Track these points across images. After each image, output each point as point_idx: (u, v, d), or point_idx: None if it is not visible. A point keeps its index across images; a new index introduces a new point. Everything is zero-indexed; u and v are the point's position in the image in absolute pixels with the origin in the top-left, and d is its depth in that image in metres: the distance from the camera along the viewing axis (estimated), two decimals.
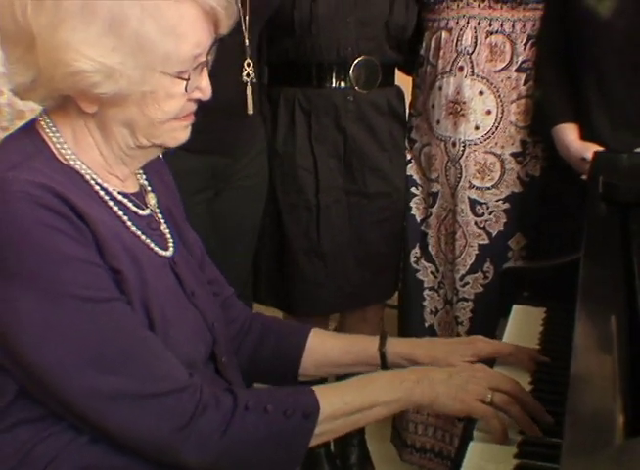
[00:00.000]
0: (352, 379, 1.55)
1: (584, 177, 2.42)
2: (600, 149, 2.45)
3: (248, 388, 1.60)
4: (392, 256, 2.90)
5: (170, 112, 1.42)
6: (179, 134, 1.49)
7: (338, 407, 1.44)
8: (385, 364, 1.71)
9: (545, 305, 1.92)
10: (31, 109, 2.28)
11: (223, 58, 2.33)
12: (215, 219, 2.51)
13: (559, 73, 2.63)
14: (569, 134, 2.58)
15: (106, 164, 1.45)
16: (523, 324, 1.88)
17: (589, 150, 2.45)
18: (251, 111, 2.46)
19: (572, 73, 2.59)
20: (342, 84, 2.67)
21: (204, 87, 1.47)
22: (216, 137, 2.42)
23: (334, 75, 2.66)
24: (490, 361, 1.68)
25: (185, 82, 1.40)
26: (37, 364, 1.28)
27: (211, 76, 2.33)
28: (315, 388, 1.46)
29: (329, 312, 2.98)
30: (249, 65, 2.44)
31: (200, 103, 2.14)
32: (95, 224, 1.32)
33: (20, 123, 2.29)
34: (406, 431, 2.97)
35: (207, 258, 1.75)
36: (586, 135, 2.56)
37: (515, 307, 1.96)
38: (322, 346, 1.75)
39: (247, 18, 2.40)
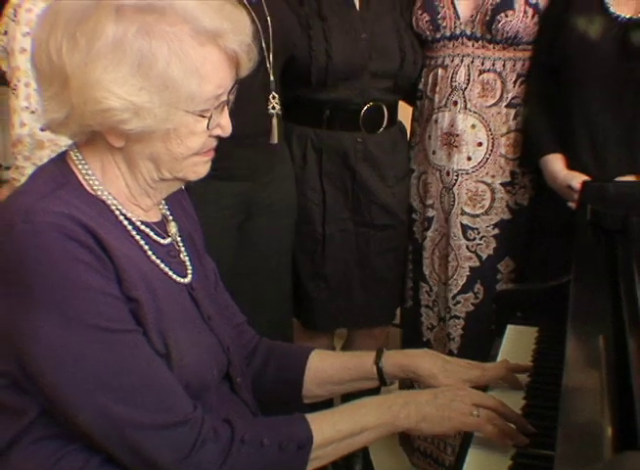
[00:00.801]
0: (343, 406, 1.54)
1: (571, 204, 2.44)
2: (585, 178, 2.45)
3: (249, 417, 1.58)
4: (395, 281, 2.91)
5: (193, 148, 1.42)
6: (200, 169, 1.48)
7: (329, 435, 1.43)
8: (382, 377, 1.69)
9: (537, 324, 1.93)
10: (50, 139, 2.29)
11: (251, 92, 2.39)
12: (247, 243, 2.52)
13: (546, 107, 2.64)
14: (555, 164, 2.59)
15: (130, 195, 1.45)
16: (517, 343, 1.88)
17: (575, 178, 2.47)
18: (275, 140, 2.47)
19: (559, 107, 2.60)
20: (352, 127, 2.68)
21: (224, 125, 1.46)
22: (244, 165, 2.44)
23: (344, 120, 2.68)
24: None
25: (207, 120, 1.40)
26: (52, 387, 1.28)
27: (240, 109, 2.37)
28: (308, 416, 1.45)
29: (332, 328, 2.98)
30: (274, 98, 2.45)
31: (230, 135, 2.14)
32: (117, 255, 1.32)
33: (40, 153, 2.32)
34: (412, 435, 2.97)
35: (221, 284, 1.74)
36: (572, 165, 2.56)
37: (509, 327, 1.96)
38: (322, 364, 1.73)
39: (271, 56, 2.42)
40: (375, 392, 2.88)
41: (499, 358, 1.83)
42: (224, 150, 2.34)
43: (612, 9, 2.49)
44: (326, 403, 2.83)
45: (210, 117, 1.40)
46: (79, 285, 1.27)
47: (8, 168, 1.76)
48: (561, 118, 2.59)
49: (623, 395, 1.18)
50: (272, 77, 2.43)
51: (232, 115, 2.33)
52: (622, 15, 2.47)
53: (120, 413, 1.28)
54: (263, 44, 2.39)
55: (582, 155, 2.55)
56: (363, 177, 2.72)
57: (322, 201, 2.72)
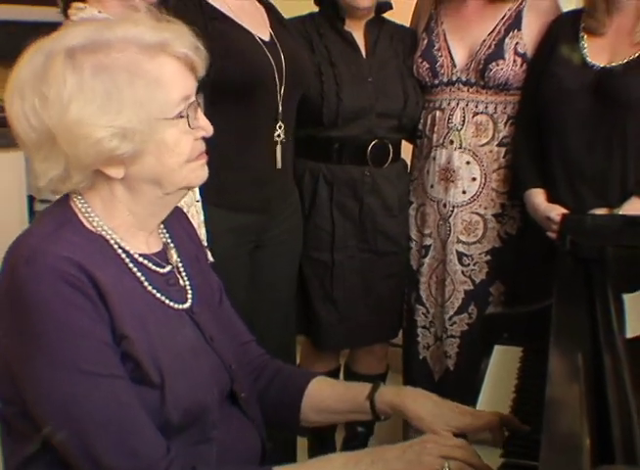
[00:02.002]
0: (310, 461, 1.49)
1: (550, 234, 2.46)
2: (562, 210, 2.46)
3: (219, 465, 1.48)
4: (397, 303, 2.90)
5: (184, 153, 1.39)
6: (199, 173, 1.45)
7: None
8: (375, 411, 1.59)
9: (522, 344, 1.91)
10: None
11: (258, 122, 2.38)
12: (256, 270, 2.50)
13: (530, 146, 2.64)
14: (537, 197, 2.59)
15: (137, 223, 1.43)
16: (503, 362, 1.86)
17: (553, 210, 2.47)
18: (279, 166, 2.45)
19: (541, 146, 2.61)
20: (360, 162, 2.68)
21: (204, 125, 1.43)
22: (252, 195, 2.42)
23: (353, 155, 2.68)
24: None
25: (186, 119, 1.37)
26: (40, 414, 1.29)
27: (248, 136, 2.37)
28: (275, 469, 1.38)
29: (341, 348, 2.97)
30: (280, 127, 2.42)
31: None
32: (111, 295, 1.30)
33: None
34: None
35: (227, 302, 1.70)
36: (551, 198, 2.57)
37: (496, 347, 1.95)
38: (320, 393, 1.65)
39: (282, 89, 2.40)
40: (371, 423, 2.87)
41: (487, 377, 1.81)
42: (241, 186, 2.36)
43: (588, 59, 2.51)
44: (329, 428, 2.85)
45: (187, 115, 1.37)
46: (71, 330, 1.26)
47: (42, 201, 1.74)
48: (542, 156, 2.60)
49: (601, 407, 1.19)
50: (281, 108, 2.41)
51: (243, 141, 2.32)
52: (597, 64, 2.49)
53: (93, 450, 1.27)
54: (276, 77, 2.37)
55: (560, 189, 2.55)
56: (370, 208, 2.72)
57: (332, 230, 2.71)
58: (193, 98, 1.40)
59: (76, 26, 1.37)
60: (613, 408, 1.15)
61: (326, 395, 1.66)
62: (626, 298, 1.52)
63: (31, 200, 1.91)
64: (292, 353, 2.71)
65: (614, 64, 2.46)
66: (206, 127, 1.43)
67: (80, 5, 2.05)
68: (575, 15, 2.62)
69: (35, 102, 1.30)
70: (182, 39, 1.40)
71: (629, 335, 1.38)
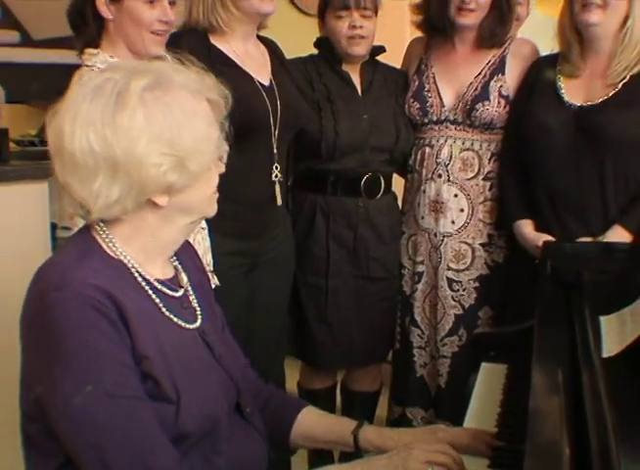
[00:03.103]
0: None
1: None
2: (550, 238, 2.47)
3: None
4: (388, 326, 2.89)
5: (213, 186, 1.45)
6: (214, 205, 1.49)
7: None
8: (357, 445, 1.60)
9: (507, 362, 1.91)
10: None
11: (257, 162, 2.39)
12: (251, 289, 2.49)
13: (516, 180, 2.65)
14: (525, 228, 2.60)
15: (158, 248, 1.44)
16: (489, 378, 1.86)
17: (541, 239, 2.46)
18: (279, 203, 2.46)
19: (526, 179, 2.62)
20: (355, 193, 2.69)
21: (223, 164, 1.49)
22: (249, 225, 2.43)
23: (348, 187, 2.69)
24: None
25: (221, 159, 1.45)
26: (61, 432, 1.29)
27: (247, 176, 2.39)
28: None
29: (334, 368, 2.95)
30: (277, 167, 2.43)
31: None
32: (133, 318, 1.31)
33: None
34: None
35: (227, 329, 1.69)
36: (538, 227, 2.58)
37: (483, 365, 1.94)
38: (308, 423, 1.66)
39: (276, 132, 2.41)
40: None
41: (475, 392, 1.81)
42: (238, 215, 2.37)
43: (565, 98, 2.53)
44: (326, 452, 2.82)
45: (222, 154, 1.45)
46: (94, 352, 1.27)
47: (63, 228, 1.75)
48: (528, 189, 2.62)
49: (579, 420, 1.20)
50: (276, 150, 2.43)
51: (242, 178, 2.31)
52: (574, 103, 2.51)
53: (111, 467, 1.27)
54: (271, 120, 2.39)
55: (547, 219, 2.56)
56: (363, 236, 2.72)
57: (327, 256, 2.71)
58: (221, 138, 1.45)
59: (145, 68, 1.41)
60: (590, 421, 1.16)
61: (314, 425, 1.67)
62: (603, 319, 1.51)
63: (54, 227, 1.93)
64: (281, 371, 2.69)
65: (589, 103, 2.49)
66: (223, 166, 1.49)
67: (93, 51, 2.09)
68: (552, 58, 2.65)
69: (106, 132, 1.31)
70: (217, 88, 1.45)
71: (605, 355, 1.37)
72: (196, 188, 1.40)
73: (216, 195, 1.48)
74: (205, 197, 1.43)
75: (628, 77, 2.45)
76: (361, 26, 2.64)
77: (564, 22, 2.55)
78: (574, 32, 2.52)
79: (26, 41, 5.30)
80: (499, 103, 2.68)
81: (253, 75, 2.41)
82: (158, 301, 1.43)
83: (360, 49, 2.68)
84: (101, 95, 1.33)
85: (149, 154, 1.32)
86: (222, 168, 1.47)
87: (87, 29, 2.12)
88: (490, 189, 2.74)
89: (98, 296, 1.28)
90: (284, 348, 2.73)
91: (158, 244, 1.44)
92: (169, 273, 1.51)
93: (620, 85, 2.45)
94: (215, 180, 1.45)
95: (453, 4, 2.64)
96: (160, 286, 1.44)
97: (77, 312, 1.26)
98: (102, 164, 1.32)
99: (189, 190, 1.39)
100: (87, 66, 2.04)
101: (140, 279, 1.41)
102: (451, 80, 2.76)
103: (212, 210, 1.49)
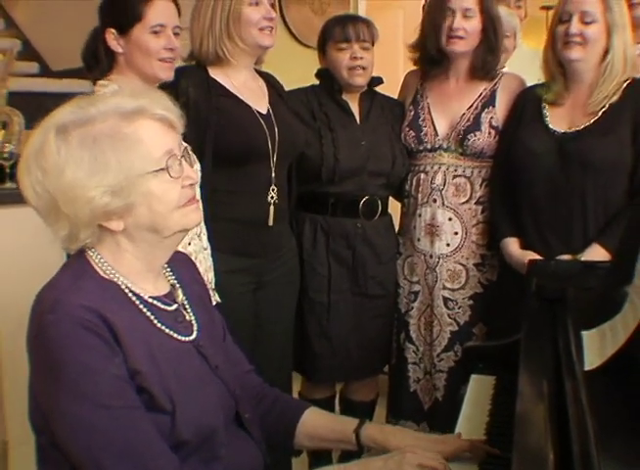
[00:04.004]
0: None
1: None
2: (535, 256, 2.48)
3: None
4: (384, 340, 2.89)
5: (172, 200, 1.39)
6: (192, 216, 1.45)
7: None
8: (359, 443, 1.60)
9: (495, 374, 1.91)
10: None
11: (255, 185, 2.42)
12: (258, 307, 2.50)
13: (504, 202, 2.67)
14: (511, 246, 2.62)
15: (143, 267, 1.44)
16: (479, 389, 1.86)
17: (527, 257, 2.48)
18: (271, 224, 2.46)
19: (513, 201, 2.63)
20: (353, 215, 2.70)
21: (189, 174, 1.43)
22: (247, 243, 2.44)
23: (347, 209, 2.71)
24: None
25: (166, 171, 1.37)
26: (64, 444, 1.31)
27: (245, 197, 2.40)
28: None
29: (332, 381, 2.95)
30: (273, 190, 2.45)
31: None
32: (124, 335, 1.32)
33: None
34: None
35: (229, 337, 1.70)
36: (525, 245, 2.60)
37: (473, 376, 1.94)
38: (313, 423, 1.66)
39: (275, 157, 2.43)
40: None
41: (465, 402, 1.80)
42: (239, 234, 2.39)
43: (550, 125, 2.56)
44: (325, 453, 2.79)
45: (168, 168, 1.38)
46: (88, 368, 1.28)
47: None
48: (515, 210, 2.64)
49: (563, 427, 1.21)
50: (273, 174, 2.45)
51: (241, 200, 2.37)
52: (558, 130, 2.54)
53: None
54: (269, 147, 2.41)
55: (531, 237, 2.59)
56: (362, 255, 2.74)
57: (328, 274, 2.72)
58: (176, 151, 1.41)
59: (64, 106, 1.40)
60: (573, 429, 1.17)
61: (317, 425, 1.67)
62: (585, 334, 1.52)
63: None
64: (289, 384, 2.69)
65: (572, 130, 2.52)
66: (192, 176, 1.44)
67: (104, 82, 2.14)
68: (537, 88, 2.67)
69: (38, 174, 1.34)
70: (158, 103, 1.42)
71: (587, 367, 1.38)
72: (147, 207, 1.38)
73: (189, 207, 1.44)
74: (164, 212, 1.40)
75: (607, 106, 2.48)
76: (361, 58, 2.68)
77: (548, 56, 2.60)
78: (558, 66, 2.57)
79: (45, 71, 5.34)
80: (490, 133, 2.72)
81: (251, 105, 2.45)
82: (150, 315, 1.43)
83: (361, 79, 2.72)
84: (35, 137, 1.37)
85: (75, 186, 1.32)
86: (185, 182, 1.42)
87: (99, 65, 2.18)
88: (482, 212, 2.76)
89: (88, 316, 1.29)
90: (290, 362, 2.73)
91: (141, 262, 1.44)
92: (163, 289, 1.51)
93: (601, 113, 2.49)
94: (173, 194, 1.40)
95: (444, 33, 2.68)
96: (152, 300, 1.45)
97: (70, 333, 1.28)
98: (46, 204, 1.35)
99: (139, 210, 1.38)
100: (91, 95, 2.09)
101: (132, 296, 1.41)
102: (445, 111, 2.80)
103: (189, 221, 1.45)
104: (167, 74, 2.18)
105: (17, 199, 2.73)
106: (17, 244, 2.80)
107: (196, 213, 1.47)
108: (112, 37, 2.13)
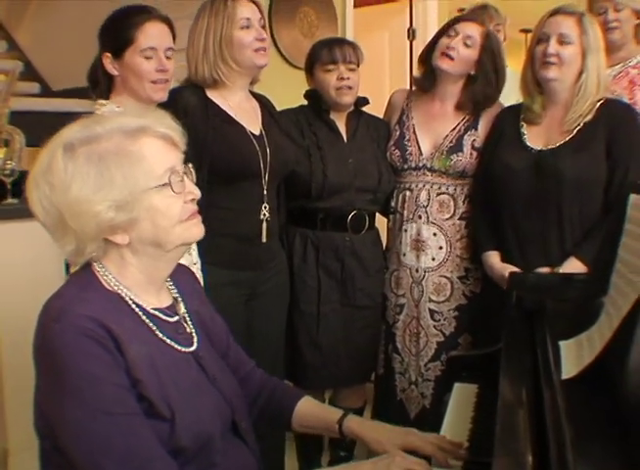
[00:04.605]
0: None
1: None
2: (515, 269, 2.50)
3: None
4: (371, 350, 2.90)
5: (174, 215, 1.40)
6: (194, 230, 1.46)
7: None
8: (342, 433, 1.65)
9: (478, 382, 1.91)
10: None
11: (248, 202, 2.43)
12: (250, 318, 2.51)
13: (485, 216, 2.69)
14: (492, 258, 2.64)
15: (146, 279, 1.45)
16: (462, 397, 1.86)
17: (507, 270, 2.50)
18: (264, 240, 2.47)
19: (494, 215, 2.65)
20: (342, 229, 2.72)
21: (191, 189, 1.44)
22: (241, 258, 2.45)
23: (335, 223, 2.72)
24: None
25: (169, 186, 1.39)
26: (67, 449, 1.31)
27: (239, 214, 2.40)
28: None
29: (324, 388, 2.95)
30: (265, 207, 2.46)
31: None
32: (127, 345, 1.33)
33: None
34: None
35: (232, 341, 1.72)
36: (505, 258, 2.62)
37: (456, 385, 1.94)
38: (305, 412, 1.72)
39: (266, 175, 2.45)
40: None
41: (448, 409, 1.81)
42: (232, 248, 2.40)
43: (527, 142, 2.59)
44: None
45: (170, 183, 1.39)
46: (91, 376, 1.28)
47: None
48: (496, 224, 2.65)
49: (541, 432, 1.22)
50: (265, 192, 2.46)
51: (235, 216, 2.38)
52: (535, 147, 2.57)
53: None
54: (261, 166, 2.43)
55: (511, 251, 2.61)
56: (350, 268, 2.74)
57: (318, 286, 2.73)
58: (178, 168, 1.42)
59: (72, 125, 1.41)
60: (551, 435, 1.18)
61: (309, 413, 1.72)
62: (562, 344, 1.53)
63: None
64: None
65: (549, 147, 2.55)
66: (194, 191, 1.45)
67: (103, 101, 2.17)
68: (516, 108, 2.72)
69: (46, 189, 1.35)
70: (161, 122, 1.43)
71: (564, 376, 1.39)
72: (150, 221, 1.39)
73: (191, 221, 1.45)
74: (167, 226, 1.41)
75: (582, 124, 2.51)
76: (348, 78, 2.71)
77: (526, 76, 2.64)
78: (536, 85, 2.61)
79: (46, 91, 5.35)
80: (472, 154, 2.74)
81: (245, 126, 2.46)
82: (152, 326, 1.44)
83: (348, 98, 2.74)
84: (43, 154, 1.38)
85: (81, 201, 1.34)
86: (187, 197, 1.43)
87: (99, 87, 2.21)
88: (466, 227, 2.78)
89: (92, 326, 1.29)
90: (282, 371, 2.72)
91: (144, 275, 1.45)
92: (166, 302, 1.52)
93: (576, 131, 2.52)
94: (175, 209, 1.41)
95: (439, 49, 2.72)
96: (154, 312, 1.46)
97: (74, 342, 1.28)
98: (53, 218, 1.37)
99: (143, 224, 1.39)
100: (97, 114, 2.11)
101: (135, 308, 1.42)
102: (429, 131, 2.82)
103: (191, 235, 1.46)
104: (160, 96, 2.19)
105: (18, 214, 2.79)
106: (17, 257, 2.80)
107: (197, 228, 1.47)
108: (108, 61, 2.16)
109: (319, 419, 1.72)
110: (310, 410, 1.73)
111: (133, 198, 1.36)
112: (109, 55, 2.15)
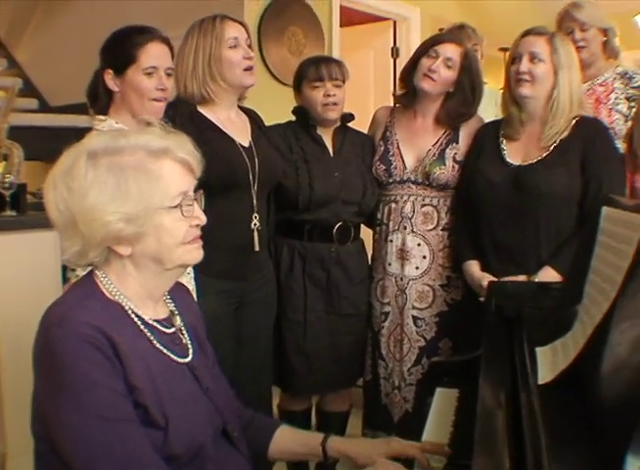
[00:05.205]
0: None
1: (481, 298, 2.50)
2: (493, 278, 2.53)
3: None
4: (356, 356, 2.90)
5: (178, 236, 1.41)
6: (194, 253, 1.47)
7: None
8: (325, 455, 1.65)
9: (459, 387, 1.91)
10: None
11: (238, 212, 2.43)
12: (239, 326, 2.50)
13: (465, 227, 2.70)
14: (472, 268, 2.66)
15: (145, 292, 1.45)
16: (443, 401, 1.86)
17: (484, 279, 2.54)
18: (257, 249, 2.48)
19: (474, 227, 2.66)
20: (328, 240, 2.72)
21: (198, 215, 1.45)
22: (232, 268, 2.45)
23: (322, 234, 2.72)
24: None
25: (179, 209, 1.40)
26: (64, 452, 1.30)
27: (230, 224, 2.41)
28: None
29: (310, 394, 2.95)
30: (256, 217, 2.47)
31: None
32: (125, 353, 1.32)
33: None
34: None
35: (217, 367, 1.69)
36: (484, 268, 2.63)
37: (438, 389, 1.94)
38: (284, 439, 1.70)
39: (256, 186, 2.46)
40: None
41: (430, 414, 1.81)
42: (223, 258, 2.40)
43: (506, 158, 2.61)
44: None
45: (181, 206, 1.41)
46: (89, 382, 1.28)
47: (73, 269, 1.78)
48: (475, 235, 2.67)
49: (518, 435, 1.22)
50: (255, 202, 2.47)
51: (226, 227, 2.36)
52: (514, 162, 2.59)
53: None
54: (250, 177, 2.44)
55: (490, 260, 2.62)
56: (335, 277, 2.75)
57: (304, 295, 2.73)
58: (190, 193, 1.44)
59: (99, 135, 1.44)
60: (527, 437, 1.18)
61: (289, 440, 1.71)
62: (538, 350, 1.53)
63: (64, 268, 1.96)
64: (269, 397, 2.69)
65: (527, 163, 2.57)
66: (200, 217, 1.46)
67: (102, 117, 2.17)
68: (496, 124, 2.75)
69: (64, 192, 1.36)
70: (182, 146, 1.45)
71: (540, 381, 1.39)
72: (155, 238, 1.40)
73: (193, 245, 1.46)
74: (170, 245, 1.42)
75: (558, 141, 2.54)
76: (334, 95, 2.72)
77: (505, 95, 2.67)
78: (513, 103, 2.63)
79: (44, 107, 5.36)
80: (454, 168, 2.76)
81: (235, 138, 2.47)
82: (150, 336, 1.44)
83: (334, 114, 2.76)
84: (65, 158, 1.39)
85: (95, 208, 1.35)
86: (193, 222, 1.45)
87: (98, 102, 2.21)
88: (448, 238, 2.79)
89: (93, 333, 1.30)
90: (270, 375, 2.73)
91: (143, 288, 1.45)
92: (163, 314, 1.52)
93: (552, 148, 2.54)
94: (180, 231, 1.42)
95: (421, 70, 2.74)
96: (152, 322, 1.46)
97: (74, 347, 1.28)
98: (66, 220, 1.37)
99: (148, 240, 1.40)
100: (96, 129, 2.11)
101: (134, 317, 1.43)
102: (413, 146, 2.83)
103: (191, 258, 1.47)
104: (158, 113, 2.19)
105: (16, 226, 2.78)
106: (16, 268, 2.79)
107: (198, 251, 1.48)
108: (109, 77, 2.16)
109: (300, 444, 1.71)
110: (290, 436, 1.73)
111: (145, 213, 1.37)
112: (110, 71, 2.16)
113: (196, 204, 1.46)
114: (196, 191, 1.47)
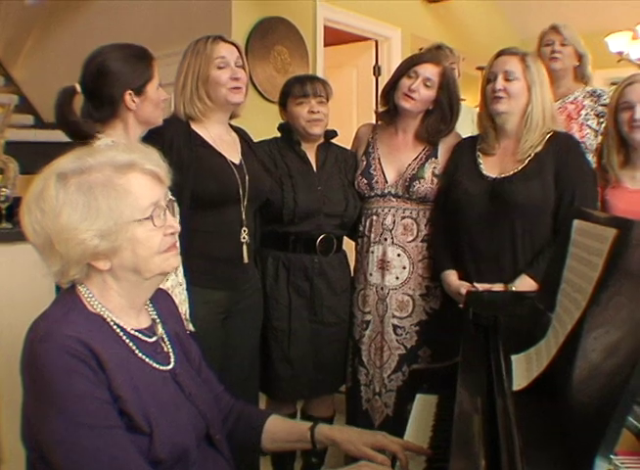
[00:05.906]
0: None
1: (461, 305, 2.48)
2: (471, 287, 2.54)
3: None
4: (339, 364, 2.89)
5: (153, 246, 1.40)
6: (171, 261, 1.46)
7: None
8: (314, 440, 1.65)
9: (438, 393, 1.91)
10: None
11: (229, 226, 2.43)
12: (227, 335, 2.50)
13: (444, 238, 2.71)
14: (450, 277, 2.66)
15: (128, 302, 1.45)
16: (423, 407, 1.87)
17: (462, 287, 2.56)
18: (246, 261, 2.49)
19: (452, 237, 2.67)
20: (311, 251, 2.72)
21: (171, 224, 1.45)
22: (222, 278, 2.45)
23: (305, 246, 2.73)
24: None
25: (151, 220, 1.39)
26: (53, 460, 1.30)
27: (220, 237, 2.40)
28: None
29: (294, 400, 2.94)
30: (244, 231, 2.47)
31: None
32: (108, 364, 1.32)
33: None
34: None
35: (205, 365, 1.70)
36: (462, 277, 2.64)
37: (418, 396, 1.94)
38: (274, 428, 1.70)
39: (245, 201, 2.46)
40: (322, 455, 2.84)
41: (410, 419, 1.81)
42: (212, 269, 2.40)
43: (484, 171, 2.63)
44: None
45: (152, 217, 1.40)
46: (75, 392, 1.28)
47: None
48: (453, 245, 2.68)
49: (494, 437, 1.23)
50: (244, 216, 2.47)
51: (215, 240, 2.38)
52: (490, 175, 2.61)
53: None
54: (240, 192, 2.44)
55: (468, 269, 2.63)
56: (318, 287, 2.75)
57: (288, 304, 2.73)
58: (162, 203, 1.43)
59: (66, 155, 1.42)
60: (502, 440, 1.18)
61: (279, 429, 1.70)
62: (513, 358, 1.54)
63: None
64: (255, 403, 2.66)
65: (503, 175, 2.58)
66: (174, 225, 1.45)
67: (98, 135, 2.15)
68: (473, 139, 2.77)
69: (37, 214, 1.36)
70: (148, 158, 1.44)
71: (515, 388, 1.40)
72: (131, 250, 1.39)
73: (169, 253, 1.45)
74: (147, 256, 1.41)
75: (533, 155, 2.56)
76: (318, 111, 2.74)
77: (481, 112, 2.70)
78: (489, 120, 2.66)
79: (39, 123, 5.34)
80: (433, 181, 2.76)
81: (226, 155, 2.48)
82: (132, 346, 1.43)
83: (318, 129, 2.77)
84: (37, 182, 1.39)
85: (69, 228, 1.34)
86: (167, 230, 1.44)
87: (98, 120, 2.16)
88: (427, 249, 2.79)
89: (76, 345, 1.29)
90: (257, 382, 2.72)
91: (125, 299, 1.45)
92: (145, 323, 1.52)
93: (527, 161, 2.56)
94: (155, 241, 1.41)
95: (401, 89, 2.75)
96: (134, 332, 1.46)
97: (59, 360, 1.28)
98: (42, 241, 1.37)
99: (124, 253, 1.39)
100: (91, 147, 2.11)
101: (117, 329, 1.42)
102: (393, 161, 2.84)
103: (167, 266, 1.46)
104: (160, 120, 2.24)
105: (12, 238, 2.76)
106: (11, 279, 2.78)
107: (175, 259, 1.47)
108: (129, 98, 2.12)
109: (290, 432, 1.70)
110: (280, 425, 1.72)
111: (117, 228, 1.36)
112: (131, 92, 2.13)
113: (168, 212, 1.45)
114: (169, 200, 1.47)
